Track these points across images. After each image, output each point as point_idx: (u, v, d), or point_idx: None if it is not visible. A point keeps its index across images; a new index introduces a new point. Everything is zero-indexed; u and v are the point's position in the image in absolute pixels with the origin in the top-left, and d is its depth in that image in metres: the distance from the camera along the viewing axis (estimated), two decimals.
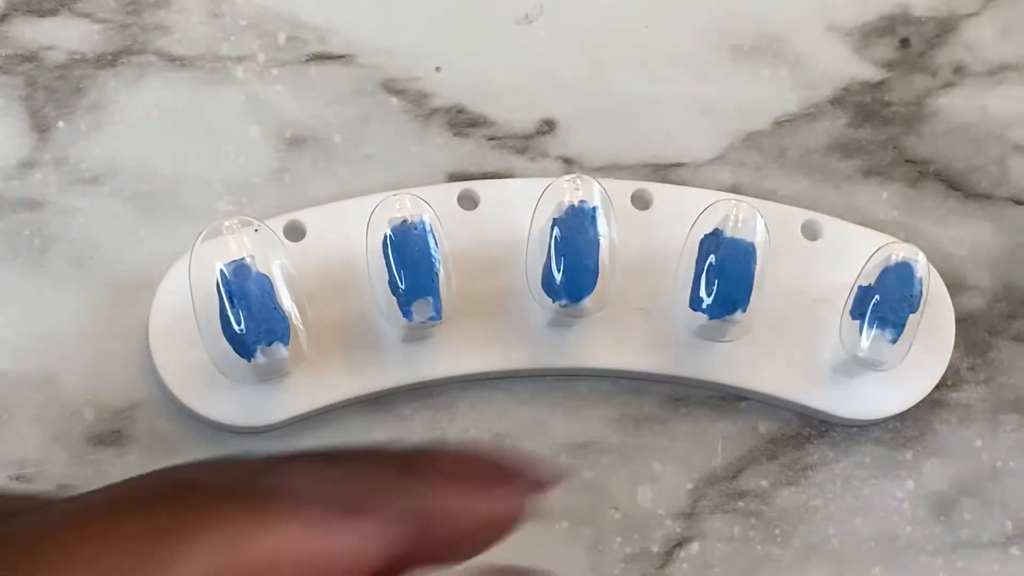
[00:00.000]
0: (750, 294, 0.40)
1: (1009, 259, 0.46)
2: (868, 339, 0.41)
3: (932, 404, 0.44)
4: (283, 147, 0.45)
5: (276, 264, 0.39)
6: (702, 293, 0.40)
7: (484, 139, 0.46)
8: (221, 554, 0.18)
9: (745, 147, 0.47)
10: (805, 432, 0.44)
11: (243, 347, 0.39)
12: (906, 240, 0.43)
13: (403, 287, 0.39)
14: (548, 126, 0.46)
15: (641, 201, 0.44)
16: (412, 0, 0.47)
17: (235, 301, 0.38)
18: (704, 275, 0.40)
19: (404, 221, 0.40)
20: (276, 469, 0.20)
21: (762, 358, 0.43)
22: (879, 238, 0.44)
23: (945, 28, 0.48)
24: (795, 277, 0.43)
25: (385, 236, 0.40)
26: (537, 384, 0.44)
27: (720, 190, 0.45)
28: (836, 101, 0.47)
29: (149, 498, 0.19)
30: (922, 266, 0.41)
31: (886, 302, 0.41)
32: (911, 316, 0.41)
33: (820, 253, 0.44)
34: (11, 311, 0.43)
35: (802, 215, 0.45)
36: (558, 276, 0.40)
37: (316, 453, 0.21)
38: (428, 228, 0.40)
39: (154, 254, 0.43)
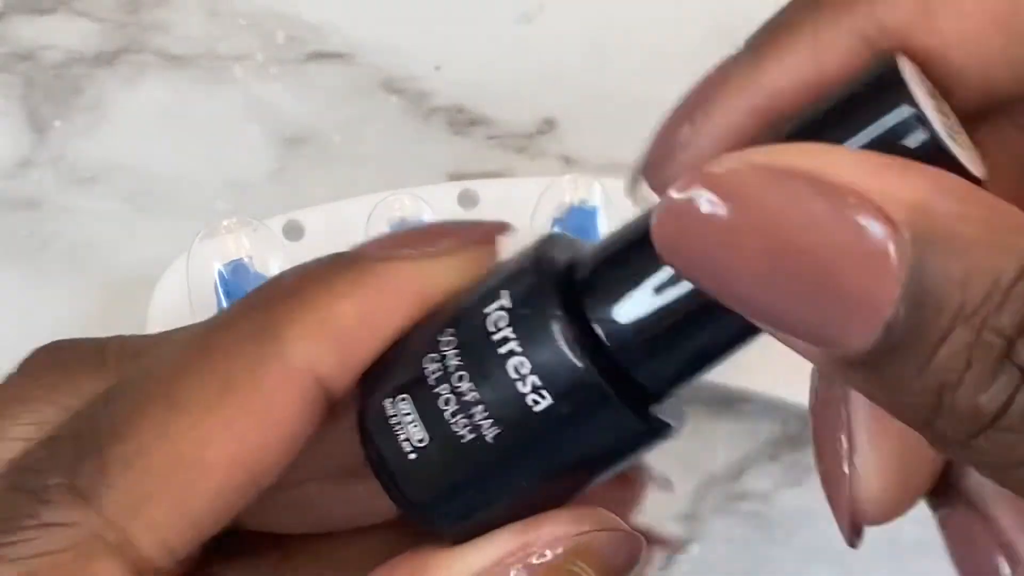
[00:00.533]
0: None
1: None
2: None
3: None
4: (282, 146, 0.45)
5: (275, 264, 0.39)
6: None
7: (484, 138, 0.46)
8: (321, 326, 0.20)
9: None
10: (807, 433, 0.44)
11: None
12: None
13: None
14: (548, 126, 0.46)
15: (641, 201, 0.44)
16: (412, 0, 0.47)
17: (234, 301, 0.38)
18: None
19: (404, 221, 0.40)
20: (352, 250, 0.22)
21: (764, 359, 0.43)
22: None
23: None
24: None
25: None
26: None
27: None
28: None
29: (244, 306, 0.21)
30: None
31: None
32: None
33: None
34: (8, 311, 0.43)
35: None
36: None
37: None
38: None
39: (152, 253, 0.43)
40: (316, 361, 0.20)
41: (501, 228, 0.23)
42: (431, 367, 0.20)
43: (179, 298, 0.40)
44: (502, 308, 0.19)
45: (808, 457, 0.44)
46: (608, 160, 0.46)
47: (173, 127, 0.45)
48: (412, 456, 0.20)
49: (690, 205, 0.17)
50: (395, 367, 0.21)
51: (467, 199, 0.44)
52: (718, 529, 0.43)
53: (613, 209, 0.41)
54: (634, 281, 0.20)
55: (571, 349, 0.19)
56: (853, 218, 0.15)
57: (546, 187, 0.41)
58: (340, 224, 0.42)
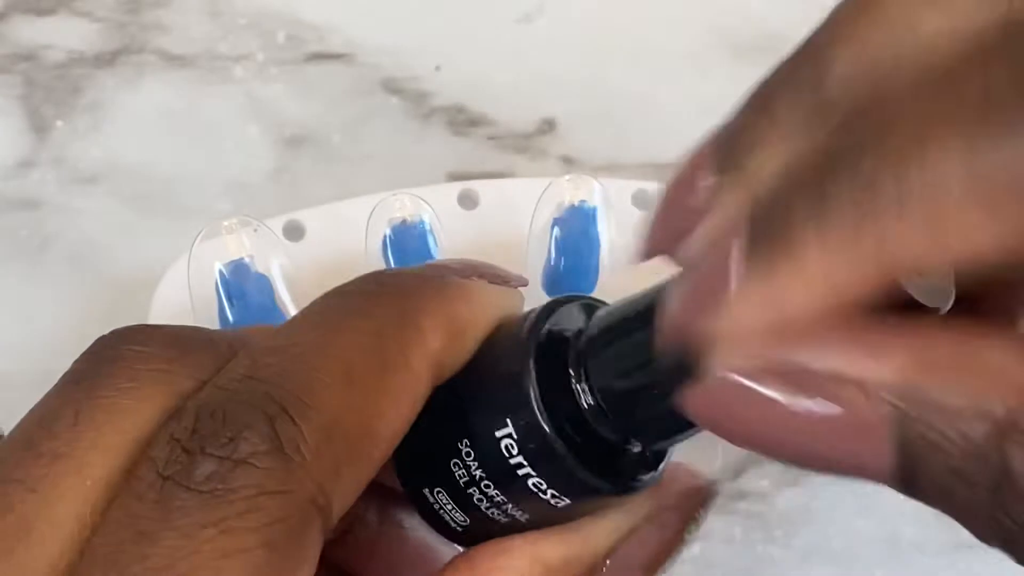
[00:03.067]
0: None
1: None
2: None
3: None
4: (282, 146, 0.45)
5: (275, 264, 0.39)
6: None
7: (484, 138, 0.46)
8: (449, 322, 0.22)
9: None
10: None
11: None
12: None
13: None
14: (548, 126, 0.46)
15: (641, 201, 0.44)
16: (412, 0, 0.47)
17: (234, 301, 0.38)
18: None
19: (404, 221, 0.40)
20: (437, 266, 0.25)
21: None
22: None
23: None
24: None
25: (385, 236, 0.40)
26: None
27: None
28: None
29: (376, 295, 0.23)
30: None
31: None
32: None
33: None
34: (9, 311, 0.43)
35: None
36: (558, 276, 0.40)
37: None
38: (428, 228, 0.40)
39: (153, 254, 0.43)
40: (441, 351, 0.22)
41: (524, 283, 0.26)
42: (458, 472, 0.22)
43: (180, 298, 0.40)
44: (510, 437, 0.21)
45: None
46: (608, 160, 0.46)
47: (174, 127, 0.45)
48: (459, 529, 0.23)
49: (726, 391, 0.18)
50: (426, 462, 0.23)
51: (467, 199, 0.44)
52: (718, 529, 0.43)
53: (613, 209, 0.41)
54: (630, 383, 0.21)
55: (578, 473, 0.21)
56: (843, 403, 0.18)
57: (546, 187, 0.41)
58: (340, 224, 0.42)
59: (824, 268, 0.17)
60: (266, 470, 0.19)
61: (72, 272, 0.43)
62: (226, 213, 0.44)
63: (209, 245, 0.39)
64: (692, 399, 0.18)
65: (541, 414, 0.21)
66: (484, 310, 0.23)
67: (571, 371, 0.21)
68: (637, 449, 0.22)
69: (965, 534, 0.43)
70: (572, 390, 0.21)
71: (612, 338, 0.22)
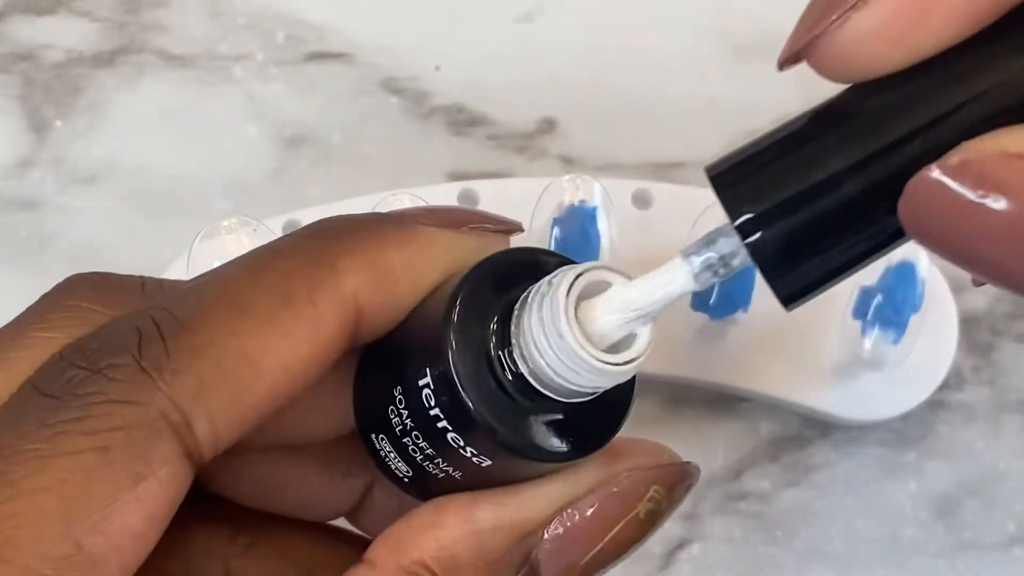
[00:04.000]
0: (751, 295, 0.40)
1: None
2: (870, 340, 0.41)
3: (935, 405, 0.44)
4: (282, 146, 0.45)
5: None
6: (703, 294, 0.40)
7: (484, 138, 0.46)
8: (372, 264, 0.22)
9: None
10: (807, 433, 0.44)
11: None
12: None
13: None
14: (548, 126, 0.46)
15: (641, 201, 0.44)
16: (412, 0, 0.47)
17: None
18: None
19: None
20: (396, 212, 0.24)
21: (764, 359, 0.43)
22: None
23: None
24: None
25: None
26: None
27: None
28: None
29: (300, 238, 0.23)
30: (924, 266, 0.41)
31: (888, 302, 0.41)
32: (913, 317, 0.41)
33: None
34: (8, 311, 0.43)
35: None
36: None
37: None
38: None
39: (152, 254, 0.43)
40: (362, 294, 0.22)
41: (518, 228, 0.25)
42: (394, 420, 0.22)
43: None
44: (428, 387, 0.21)
45: (808, 457, 0.44)
46: (608, 160, 0.46)
47: (173, 127, 0.45)
48: (406, 480, 0.23)
49: (948, 192, 0.18)
50: (370, 406, 0.23)
51: (467, 199, 0.44)
52: (718, 529, 0.43)
53: (613, 209, 0.40)
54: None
55: (491, 431, 0.20)
56: None
57: (546, 187, 0.41)
58: None
59: None
60: (116, 381, 0.20)
61: (71, 271, 0.43)
62: (226, 213, 0.44)
63: (209, 245, 0.39)
64: (902, 206, 0.18)
65: (454, 365, 0.20)
66: (429, 258, 0.22)
67: (494, 327, 0.21)
68: (566, 415, 0.21)
69: (965, 535, 0.43)
70: (492, 347, 0.21)
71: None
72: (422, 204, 0.40)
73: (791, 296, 0.21)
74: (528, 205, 0.41)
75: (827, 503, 0.44)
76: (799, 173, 0.20)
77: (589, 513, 0.22)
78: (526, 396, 0.20)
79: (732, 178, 0.20)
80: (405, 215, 0.24)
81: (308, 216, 0.43)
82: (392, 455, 0.22)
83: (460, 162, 0.45)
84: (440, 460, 0.21)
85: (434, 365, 0.21)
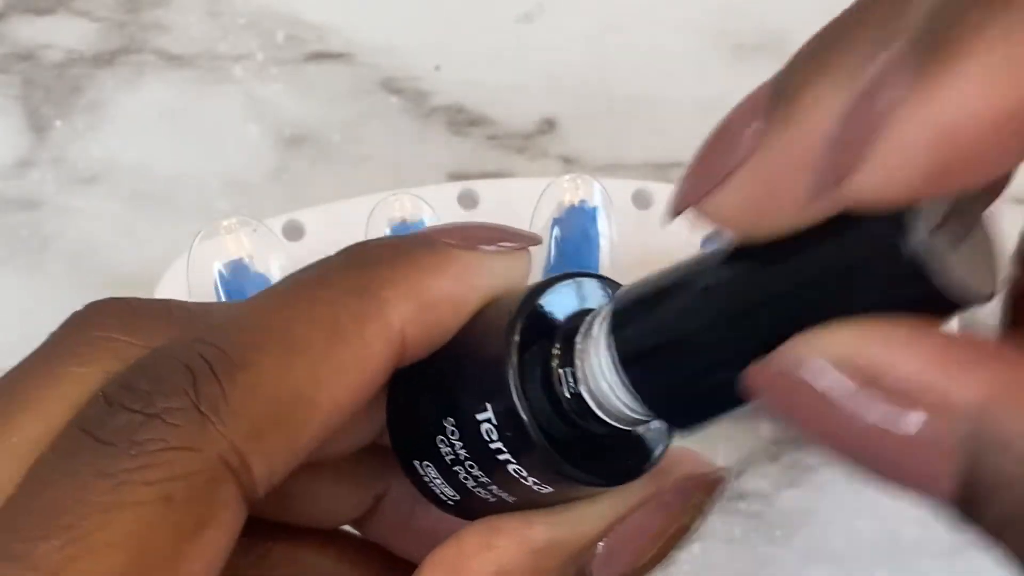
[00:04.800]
0: None
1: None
2: None
3: None
4: (282, 146, 0.45)
5: (275, 264, 0.39)
6: None
7: (484, 138, 0.46)
8: (417, 293, 0.21)
9: None
10: None
11: None
12: None
13: None
14: (548, 126, 0.46)
15: (641, 201, 0.44)
16: (412, 0, 0.47)
17: (233, 301, 0.38)
18: None
19: (404, 221, 0.40)
20: (427, 230, 0.24)
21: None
22: None
23: None
24: None
25: (385, 236, 0.40)
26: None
27: None
28: None
29: (341, 265, 0.22)
30: None
31: None
32: None
33: None
34: (9, 311, 0.43)
35: None
36: None
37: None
38: None
39: (152, 254, 0.43)
40: (407, 324, 0.21)
41: (537, 241, 0.24)
42: (443, 449, 0.22)
43: (180, 298, 0.40)
44: (490, 422, 0.21)
45: (808, 457, 0.44)
46: (608, 160, 0.46)
47: (173, 127, 0.45)
48: (451, 504, 0.23)
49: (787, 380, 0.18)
50: (414, 434, 0.22)
51: (467, 199, 0.44)
52: (718, 529, 0.43)
53: (613, 209, 0.41)
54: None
55: (557, 464, 0.21)
56: (910, 415, 0.16)
57: (546, 187, 0.41)
58: (340, 224, 0.42)
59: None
60: (175, 426, 0.19)
61: (71, 272, 0.43)
62: (226, 213, 0.44)
63: (208, 245, 0.39)
64: (757, 378, 0.18)
65: (520, 402, 0.20)
66: (471, 282, 0.22)
67: (555, 357, 0.21)
68: (625, 439, 0.22)
69: (965, 535, 0.42)
70: (555, 378, 0.21)
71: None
72: (422, 204, 0.40)
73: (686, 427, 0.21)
74: (528, 205, 0.41)
75: (827, 503, 0.44)
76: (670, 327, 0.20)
77: (639, 526, 0.23)
78: (589, 425, 0.21)
79: (624, 318, 0.21)
80: (432, 237, 0.23)
81: (308, 216, 0.43)
82: (438, 481, 0.22)
83: (460, 162, 0.45)
84: (495, 487, 0.21)
85: (495, 400, 0.21)
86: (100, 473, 0.19)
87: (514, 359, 0.20)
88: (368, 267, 0.22)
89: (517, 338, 0.21)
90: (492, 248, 0.23)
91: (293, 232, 0.42)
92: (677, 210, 0.20)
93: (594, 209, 0.40)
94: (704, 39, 0.47)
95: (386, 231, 0.40)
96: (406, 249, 0.22)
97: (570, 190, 0.40)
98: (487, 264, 0.23)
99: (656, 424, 0.22)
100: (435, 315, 0.22)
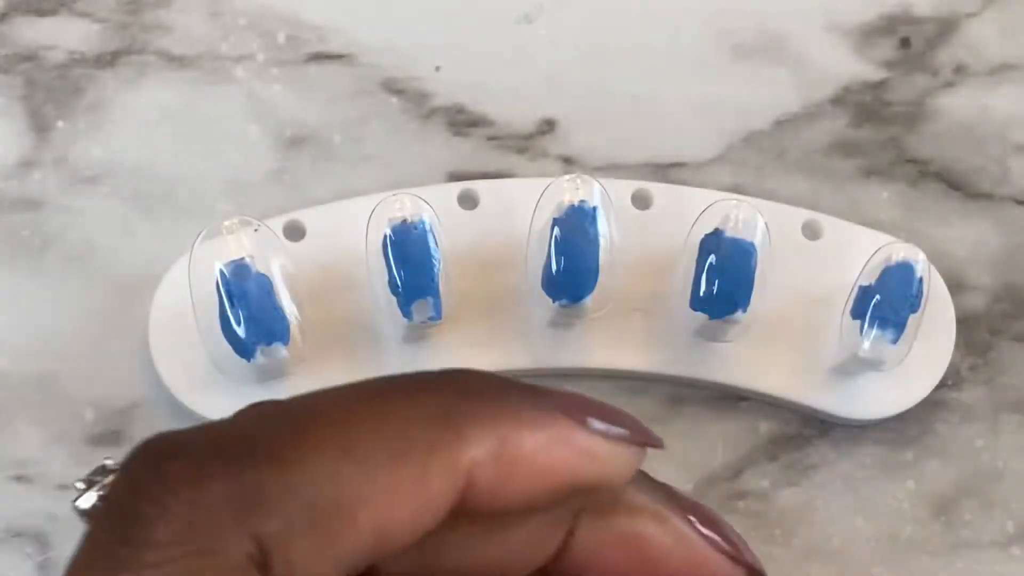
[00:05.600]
0: (751, 294, 0.40)
1: (1010, 259, 0.46)
2: (869, 339, 0.41)
3: (933, 404, 0.44)
4: (283, 147, 0.45)
5: (276, 264, 0.39)
6: (702, 293, 0.40)
7: (484, 139, 0.46)
8: (499, 442, 0.20)
9: (745, 147, 0.46)
10: (806, 432, 0.44)
11: (243, 347, 0.38)
12: (907, 240, 0.43)
13: (403, 287, 0.39)
14: (548, 126, 0.46)
15: (641, 201, 0.44)
16: (412, 0, 0.47)
17: (235, 301, 0.38)
18: (704, 275, 0.40)
19: (404, 221, 0.40)
20: (540, 387, 0.22)
21: (762, 358, 0.43)
22: (880, 238, 0.44)
23: (946, 28, 0.48)
24: (796, 277, 0.43)
25: (385, 236, 0.40)
26: (537, 384, 0.44)
27: (720, 190, 0.45)
28: (837, 101, 0.47)
29: (431, 384, 0.21)
30: (923, 266, 0.41)
31: (887, 302, 0.41)
32: (912, 316, 0.41)
33: (821, 253, 0.44)
34: (10, 311, 0.43)
35: (803, 215, 0.44)
36: (558, 276, 0.40)
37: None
38: (428, 228, 0.40)
39: (154, 254, 0.43)
40: (479, 470, 0.20)
41: (659, 444, 0.23)
42: None
43: (181, 298, 0.40)
44: None
45: (808, 456, 0.44)
46: (608, 160, 0.46)
47: (174, 128, 0.45)
48: None
49: None
50: None
51: (467, 199, 0.44)
52: None
53: (613, 209, 0.41)
54: None
55: None
56: None
57: (546, 187, 0.41)
58: (340, 224, 0.42)
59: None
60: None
61: (73, 272, 0.43)
62: (226, 213, 0.44)
63: (210, 245, 0.39)
64: None
65: None
66: (558, 453, 0.21)
67: None
68: None
69: (964, 533, 0.43)
70: None
71: None
72: (423, 204, 0.40)
73: None
74: (528, 205, 0.41)
75: (826, 502, 0.44)
76: None
77: None
78: None
79: None
80: (542, 396, 0.22)
81: (309, 216, 0.43)
82: None
83: (460, 162, 0.45)
84: None
85: None
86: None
87: None
88: (460, 396, 0.21)
89: None
90: (602, 428, 0.22)
91: (294, 232, 0.43)
92: None
93: (594, 209, 0.40)
94: (704, 39, 0.47)
95: (386, 231, 0.40)
96: (508, 393, 0.21)
97: (570, 190, 0.40)
98: (588, 444, 0.21)
99: None
100: (512, 471, 0.20)
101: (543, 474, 0.21)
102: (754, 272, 0.40)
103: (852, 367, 0.42)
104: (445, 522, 0.21)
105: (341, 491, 0.19)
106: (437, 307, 0.39)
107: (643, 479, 0.24)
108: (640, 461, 0.22)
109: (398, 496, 0.19)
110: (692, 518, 0.23)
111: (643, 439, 0.22)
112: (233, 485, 0.19)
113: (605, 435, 0.22)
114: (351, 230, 0.42)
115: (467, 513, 0.21)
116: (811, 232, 0.44)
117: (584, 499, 0.23)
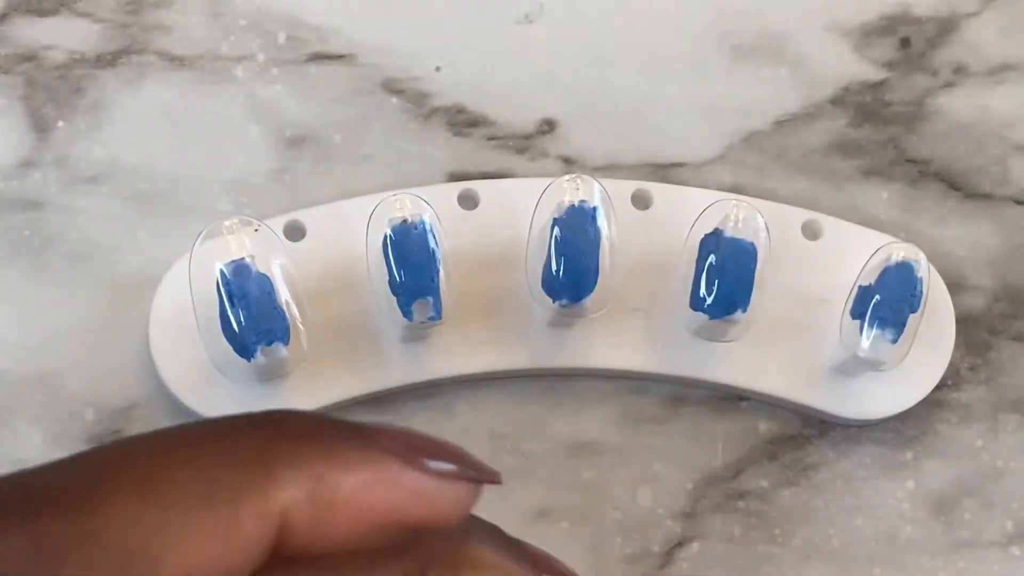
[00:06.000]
0: (750, 294, 0.40)
1: (1009, 259, 0.46)
2: (868, 339, 0.41)
3: (932, 404, 0.44)
4: (283, 147, 0.45)
5: (276, 264, 0.39)
6: (702, 293, 0.40)
7: (484, 139, 0.46)
8: (316, 483, 0.20)
9: (745, 147, 0.47)
10: (805, 432, 0.44)
11: (243, 347, 0.38)
12: (906, 240, 0.43)
13: (403, 287, 0.39)
14: (548, 126, 0.46)
15: (641, 201, 0.44)
16: (412, 0, 0.47)
17: (235, 301, 0.38)
18: (704, 275, 0.40)
19: (404, 221, 0.40)
20: (367, 424, 0.22)
21: (762, 358, 0.43)
22: (879, 238, 0.44)
23: (945, 28, 0.48)
24: (795, 277, 0.43)
25: (385, 236, 0.40)
26: (537, 384, 0.44)
27: (720, 190, 0.45)
28: (836, 101, 0.47)
29: (245, 426, 0.21)
30: (922, 266, 0.41)
31: (886, 302, 0.41)
32: (911, 316, 0.41)
33: (820, 253, 0.44)
34: (11, 311, 0.43)
35: (802, 215, 0.45)
36: (558, 276, 0.40)
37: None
38: (428, 228, 0.40)
39: (154, 254, 0.43)
40: (293, 512, 0.20)
41: (495, 480, 0.22)
42: None
43: (181, 298, 0.40)
44: None
45: (807, 456, 0.44)
46: (608, 160, 0.46)
47: (175, 128, 0.45)
48: None
49: None
50: None
51: (467, 199, 0.44)
52: (717, 527, 0.43)
53: (613, 209, 0.41)
54: None
55: None
56: None
57: (546, 187, 0.41)
58: (340, 224, 0.42)
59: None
60: (8, 559, 0.18)
61: (73, 272, 0.43)
62: (227, 213, 0.44)
63: (210, 245, 0.39)
64: None
65: None
66: (379, 494, 0.20)
67: None
68: None
69: (963, 533, 0.43)
70: None
71: None
72: (423, 204, 0.40)
73: None
74: (528, 205, 0.41)
75: (825, 502, 0.44)
76: None
77: None
78: None
79: None
80: (365, 434, 0.21)
81: (309, 216, 0.43)
82: None
83: (460, 162, 0.45)
84: None
85: None
86: None
87: None
88: (277, 438, 0.20)
89: None
90: (430, 467, 0.21)
91: (294, 232, 0.43)
92: None
93: (594, 209, 0.40)
94: (704, 39, 0.47)
95: (386, 231, 0.40)
96: (328, 433, 0.21)
97: (570, 190, 0.40)
98: (413, 483, 0.21)
99: None
100: (331, 512, 0.20)
101: (364, 514, 0.21)
102: (754, 272, 0.41)
103: (852, 367, 0.42)
104: (267, 564, 0.20)
105: (144, 536, 0.19)
106: (437, 307, 0.39)
107: (493, 533, 0.24)
108: (474, 498, 0.22)
109: (207, 540, 0.19)
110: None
111: (476, 476, 0.22)
112: (32, 535, 0.18)
113: (433, 473, 0.21)
114: (351, 230, 0.42)
115: (298, 554, 0.20)
116: (811, 232, 0.44)
117: (428, 553, 0.22)
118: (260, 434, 0.21)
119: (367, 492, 0.20)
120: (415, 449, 0.21)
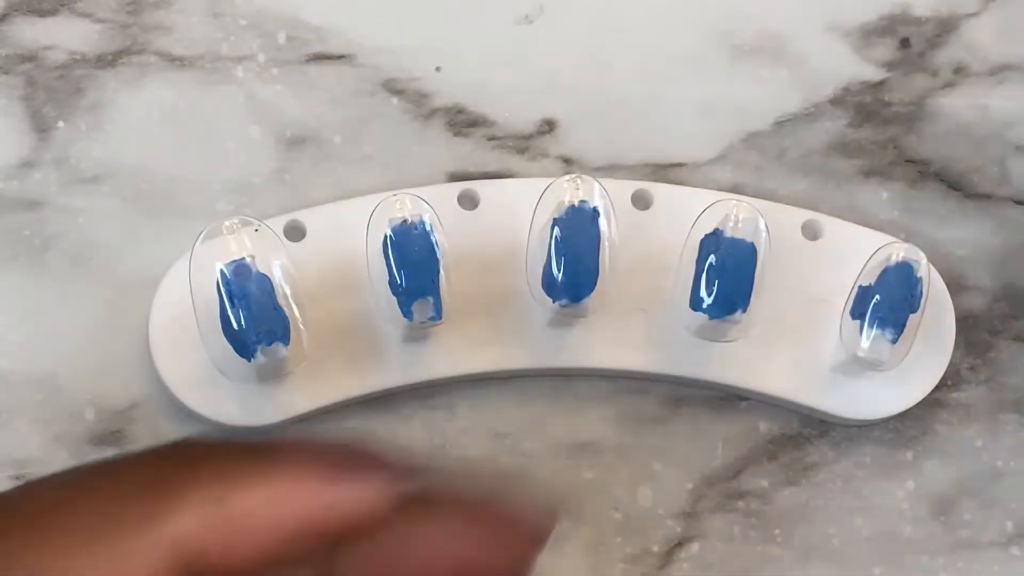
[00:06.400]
0: (750, 294, 0.40)
1: (1009, 259, 0.46)
2: (868, 339, 0.41)
3: (932, 404, 0.44)
4: (283, 147, 0.45)
5: (276, 264, 0.39)
6: (702, 293, 0.40)
7: (484, 139, 0.46)
8: (214, 506, 0.20)
9: (745, 147, 0.47)
10: (805, 432, 0.44)
11: (243, 347, 0.38)
12: (906, 240, 0.43)
13: (403, 287, 0.39)
14: (548, 126, 0.46)
15: (641, 201, 0.44)
16: (412, 0, 0.47)
17: (235, 301, 0.38)
18: (704, 275, 0.40)
19: (404, 221, 0.40)
20: (268, 441, 0.22)
21: (762, 358, 0.43)
22: (879, 238, 0.44)
23: (945, 28, 0.48)
24: (795, 277, 0.43)
25: (385, 236, 0.40)
26: (537, 384, 0.44)
27: (720, 190, 0.45)
28: (836, 101, 0.47)
29: (147, 456, 0.21)
30: (922, 266, 0.41)
31: (886, 302, 0.41)
32: (911, 316, 0.41)
33: (820, 253, 0.44)
34: (11, 311, 0.43)
35: (802, 215, 0.45)
36: (558, 276, 0.40)
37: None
38: (428, 228, 0.40)
39: (154, 254, 0.43)
40: (197, 536, 0.20)
41: (409, 477, 0.22)
42: None
43: (181, 298, 0.40)
44: None
45: (807, 456, 0.44)
46: (608, 160, 0.46)
47: (175, 128, 0.45)
48: None
49: None
50: None
51: (467, 199, 0.44)
52: (717, 527, 0.44)
53: (613, 209, 0.41)
54: None
55: None
56: None
57: (546, 187, 0.41)
58: (340, 224, 0.43)
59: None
60: None
61: (73, 272, 0.43)
62: (227, 213, 0.44)
63: (210, 245, 0.39)
64: None
65: None
66: (282, 507, 0.21)
67: None
68: None
69: (963, 533, 0.43)
70: None
71: None
72: (423, 204, 0.40)
73: None
74: (528, 205, 0.41)
75: (825, 501, 0.44)
76: None
77: None
78: None
79: None
80: (266, 453, 0.21)
81: (310, 216, 0.43)
82: None
83: (460, 162, 0.45)
84: None
85: None
86: None
87: None
88: (174, 467, 0.21)
89: None
90: (338, 475, 0.21)
91: (294, 232, 0.43)
92: None
93: (594, 209, 0.40)
94: (704, 39, 0.47)
95: (386, 231, 0.40)
96: (227, 455, 0.21)
97: (570, 190, 0.41)
98: (320, 494, 0.21)
99: None
100: (236, 532, 0.20)
101: (271, 530, 0.21)
102: (754, 272, 0.41)
103: (852, 367, 0.42)
104: None
105: (49, 569, 0.19)
106: (437, 307, 0.39)
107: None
108: (387, 497, 0.22)
109: (113, 569, 0.19)
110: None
111: (394, 475, 0.22)
112: None
113: (340, 481, 0.21)
114: (351, 230, 0.42)
115: (223, 574, 0.21)
116: (811, 232, 0.44)
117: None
118: (157, 465, 0.21)
119: (267, 508, 0.21)
120: (317, 460, 0.21)
